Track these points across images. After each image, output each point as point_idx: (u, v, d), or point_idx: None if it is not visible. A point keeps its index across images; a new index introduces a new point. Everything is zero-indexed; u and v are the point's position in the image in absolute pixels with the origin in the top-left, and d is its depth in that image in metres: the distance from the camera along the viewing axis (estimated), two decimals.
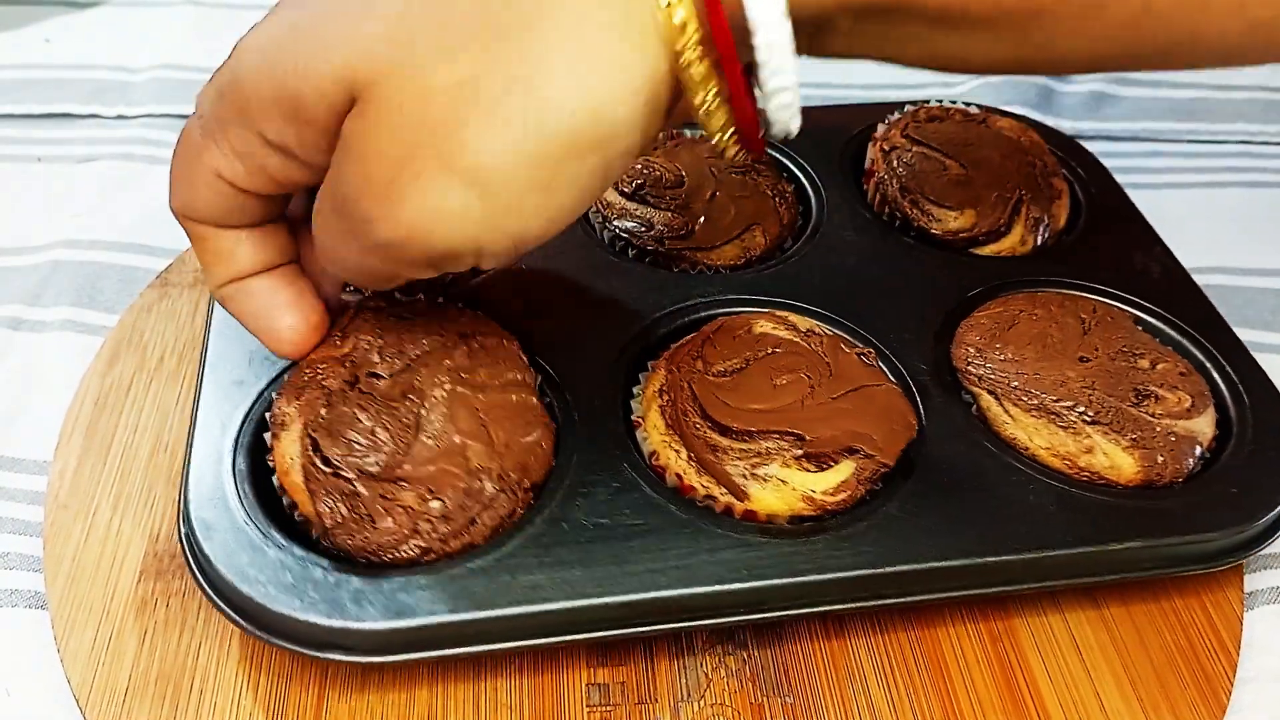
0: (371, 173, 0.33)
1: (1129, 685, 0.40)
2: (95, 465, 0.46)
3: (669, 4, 0.31)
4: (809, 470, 0.40)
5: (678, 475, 0.40)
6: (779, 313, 0.46)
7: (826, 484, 0.40)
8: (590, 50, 0.32)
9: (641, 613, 0.38)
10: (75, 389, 0.49)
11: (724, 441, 0.40)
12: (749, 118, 0.34)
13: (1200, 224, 0.54)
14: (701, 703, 0.39)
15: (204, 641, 0.40)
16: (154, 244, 0.58)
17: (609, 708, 0.39)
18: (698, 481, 0.40)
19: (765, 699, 0.39)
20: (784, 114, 0.34)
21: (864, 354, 0.44)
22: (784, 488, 0.40)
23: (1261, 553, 0.44)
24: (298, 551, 0.37)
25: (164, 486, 0.45)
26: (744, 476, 0.40)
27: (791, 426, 0.41)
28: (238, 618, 0.36)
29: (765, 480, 0.40)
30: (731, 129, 0.35)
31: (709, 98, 0.33)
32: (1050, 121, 0.69)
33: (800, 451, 0.40)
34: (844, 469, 0.40)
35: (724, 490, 0.40)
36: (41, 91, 0.68)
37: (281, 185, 0.37)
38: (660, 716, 0.39)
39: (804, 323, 0.45)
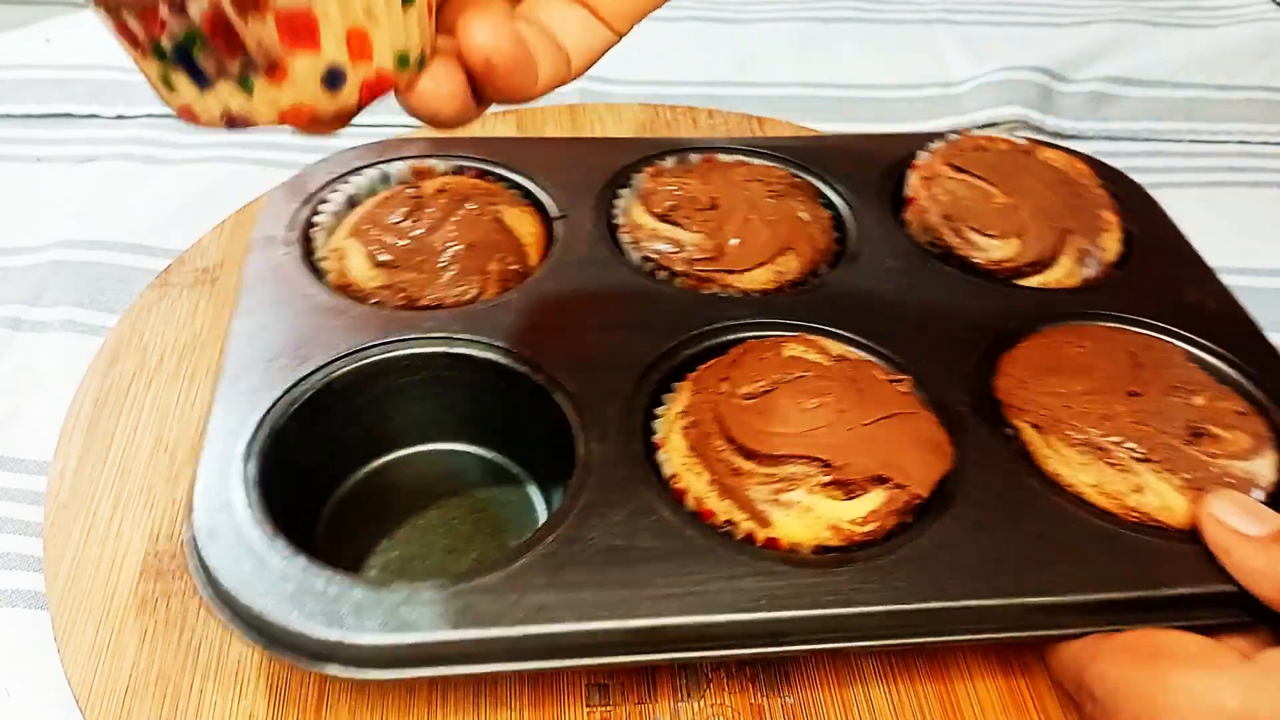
0: None
1: None
2: (95, 465, 0.46)
3: None
4: (836, 498, 0.38)
5: (698, 499, 0.39)
6: (810, 336, 0.44)
7: (855, 513, 0.38)
8: None
9: (653, 639, 0.36)
10: (75, 389, 0.49)
11: (748, 465, 0.39)
12: None
13: (1200, 224, 0.54)
14: (701, 703, 0.39)
15: (204, 641, 0.40)
16: (154, 244, 0.58)
17: (609, 708, 0.39)
18: (718, 506, 0.39)
19: (765, 699, 0.39)
20: None
21: (899, 381, 0.42)
22: (809, 515, 0.38)
23: None
24: (301, 562, 0.36)
25: (164, 486, 0.45)
26: (768, 502, 0.38)
27: (820, 452, 0.39)
28: (235, 624, 0.36)
29: (790, 507, 0.38)
30: None
31: None
32: (1050, 121, 0.69)
33: (828, 478, 0.38)
34: (874, 498, 0.39)
35: (746, 515, 0.38)
36: (41, 91, 0.68)
37: None
38: (660, 716, 0.39)
39: (836, 348, 0.44)
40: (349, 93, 0.30)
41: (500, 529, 0.44)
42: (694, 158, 0.55)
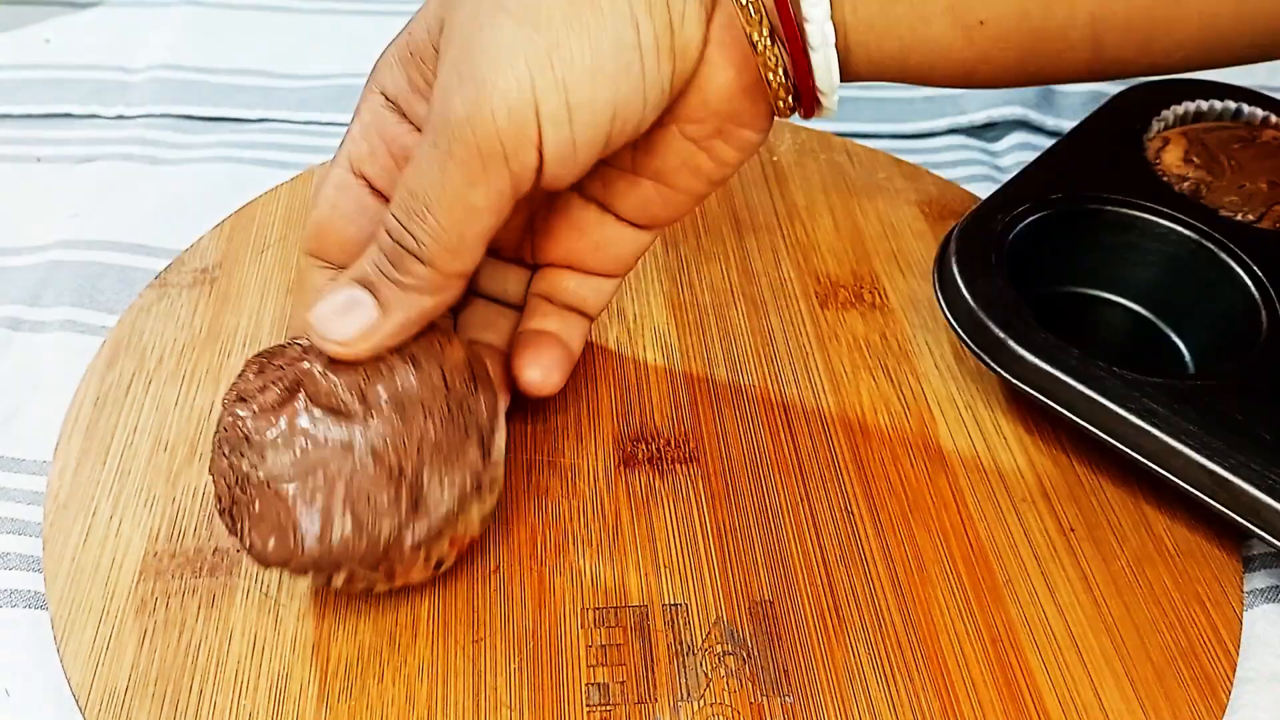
0: (450, 53, 0.35)
1: (1129, 685, 0.40)
2: (95, 465, 0.46)
3: None
4: None
5: None
6: None
7: None
8: None
9: None
10: (75, 389, 0.49)
11: None
12: (797, 44, 0.36)
13: None
14: (701, 703, 0.39)
15: (204, 641, 0.40)
16: (154, 244, 0.58)
17: (609, 708, 0.39)
18: None
19: (765, 699, 0.39)
20: (824, 54, 0.37)
21: None
22: None
23: (1261, 552, 0.45)
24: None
25: (164, 486, 0.45)
26: None
27: None
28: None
29: None
30: (783, 66, 0.37)
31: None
32: (1050, 121, 0.69)
33: None
34: None
35: None
36: (41, 91, 0.68)
37: None
38: (660, 716, 0.39)
39: None
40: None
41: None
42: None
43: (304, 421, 0.35)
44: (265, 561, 0.36)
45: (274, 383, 0.37)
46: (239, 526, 0.36)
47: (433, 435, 0.35)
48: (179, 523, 0.43)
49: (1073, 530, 0.45)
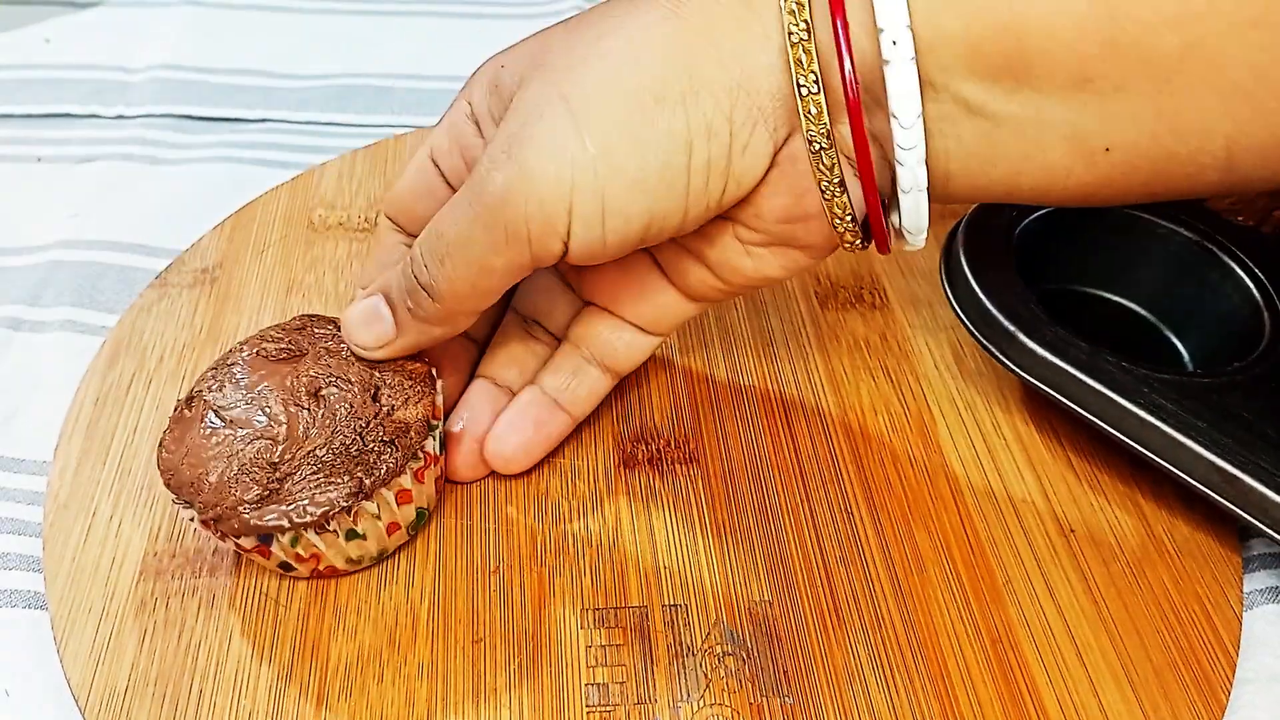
0: (510, 124, 0.36)
1: (1129, 685, 0.40)
2: (95, 465, 0.46)
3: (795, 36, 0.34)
4: None
5: None
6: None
7: None
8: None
9: None
10: (75, 389, 0.49)
11: None
12: (873, 193, 0.36)
13: None
14: (701, 703, 0.39)
15: (204, 641, 0.40)
16: (154, 244, 0.58)
17: (608, 708, 0.39)
18: None
19: (765, 699, 0.39)
20: (914, 198, 0.36)
21: None
22: None
23: (1261, 553, 0.45)
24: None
25: (163, 486, 0.45)
26: None
27: None
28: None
29: None
30: (848, 213, 0.37)
31: (823, 137, 0.35)
32: None
33: None
34: None
35: None
36: (41, 91, 0.68)
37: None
38: (660, 716, 0.39)
39: None
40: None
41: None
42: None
43: (267, 388, 0.41)
44: (160, 465, 0.40)
45: (289, 344, 0.42)
46: (169, 429, 0.41)
47: (320, 454, 0.39)
48: (179, 522, 0.44)
49: (1073, 531, 0.45)
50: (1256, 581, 0.44)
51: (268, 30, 0.75)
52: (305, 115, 0.68)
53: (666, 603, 0.42)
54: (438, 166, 0.43)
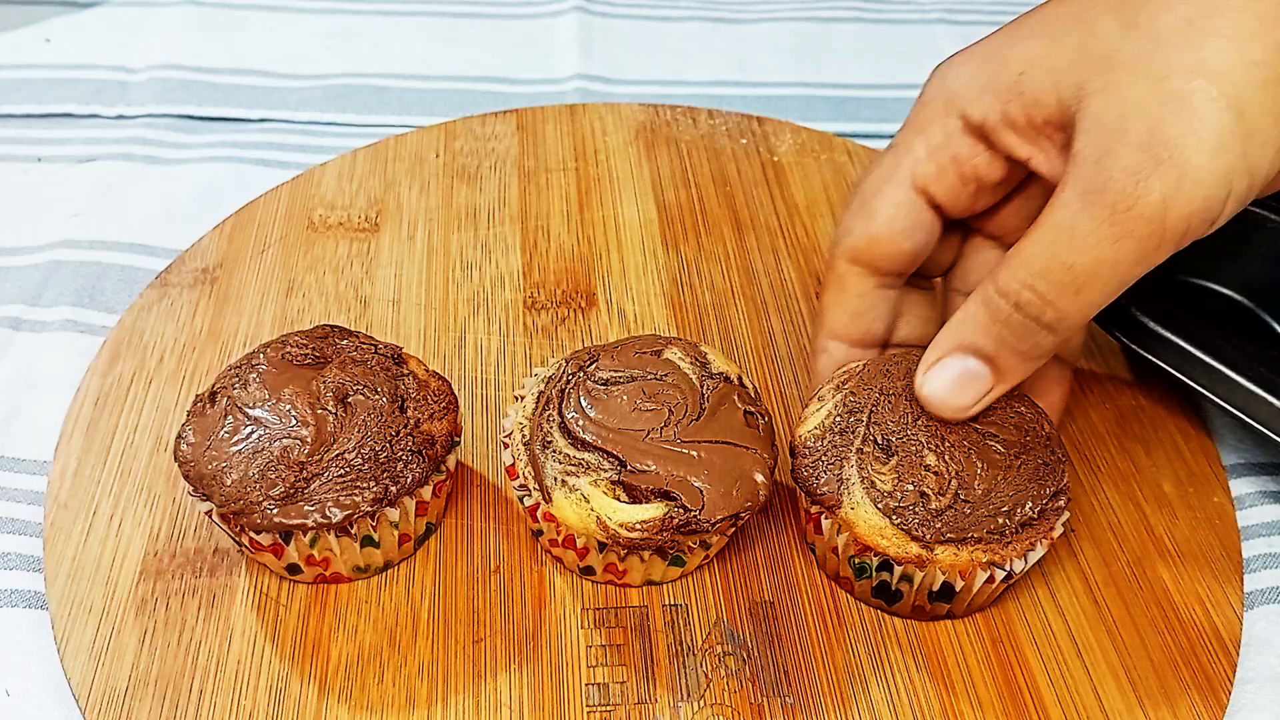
0: (1132, 130, 0.34)
1: (1129, 685, 0.40)
2: (95, 465, 0.46)
3: None
4: (619, 499, 0.39)
5: (514, 457, 0.41)
6: (702, 346, 0.44)
7: (628, 517, 0.38)
8: None
9: None
10: (75, 389, 0.49)
11: (561, 442, 0.40)
12: None
13: None
14: (701, 703, 0.39)
15: (204, 641, 0.40)
16: (154, 244, 0.58)
17: (609, 708, 0.39)
18: (521, 470, 0.40)
19: (765, 699, 0.39)
20: None
21: (759, 413, 0.42)
22: (584, 505, 0.39)
23: (1261, 553, 0.44)
24: None
25: (164, 486, 0.45)
26: (554, 480, 0.39)
27: (619, 451, 0.39)
28: None
29: (571, 491, 0.39)
30: None
31: None
32: None
33: (616, 477, 0.39)
34: (653, 509, 0.39)
35: (536, 487, 0.40)
36: (41, 91, 0.68)
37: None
38: (660, 716, 0.39)
39: (722, 364, 0.43)
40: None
41: None
42: None
43: (292, 390, 0.40)
44: (179, 456, 0.40)
45: (313, 350, 0.42)
46: (189, 420, 0.41)
47: (349, 457, 0.39)
48: (179, 523, 0.44)
49: (1073, 531, 0.45)
50: (1257, 581, 0.44)
51: (268, 30, 0.75)
52: (305, 115, 0.68)
53: (666, 602, 0.42)
54: (924, 194, 0.41)
